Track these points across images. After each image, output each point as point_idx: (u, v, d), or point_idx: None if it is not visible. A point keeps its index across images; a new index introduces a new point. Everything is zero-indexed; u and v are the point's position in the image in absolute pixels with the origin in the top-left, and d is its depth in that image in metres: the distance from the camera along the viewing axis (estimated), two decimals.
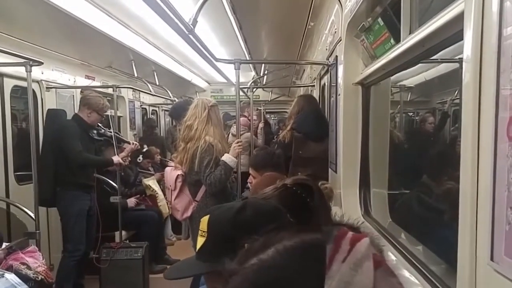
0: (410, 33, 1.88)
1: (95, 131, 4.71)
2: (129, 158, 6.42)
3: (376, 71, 2.40)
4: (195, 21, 2.78)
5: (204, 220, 1.19)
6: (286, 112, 11.17)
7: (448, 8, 1.37)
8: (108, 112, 5.23)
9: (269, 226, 1.09)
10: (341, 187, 2.91)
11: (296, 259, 0.67)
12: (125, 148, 5.06)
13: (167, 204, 4.04)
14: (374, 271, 0.65)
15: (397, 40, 2.06)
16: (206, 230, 1.17)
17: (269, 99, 9.88)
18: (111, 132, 4.89)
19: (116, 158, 4.73)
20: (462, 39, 1.14)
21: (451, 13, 1.32)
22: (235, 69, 3.54)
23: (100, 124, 4.86)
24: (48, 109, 4.90)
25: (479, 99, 1.02)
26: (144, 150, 6.96)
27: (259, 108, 8.62)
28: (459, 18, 1.20)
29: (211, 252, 1.16)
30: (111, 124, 5.39)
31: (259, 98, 9.12)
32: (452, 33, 1.41)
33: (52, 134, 4.52)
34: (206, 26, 4.63)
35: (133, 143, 5.13)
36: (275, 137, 7.96)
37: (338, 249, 0.66)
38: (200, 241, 1.18)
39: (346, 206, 2.83)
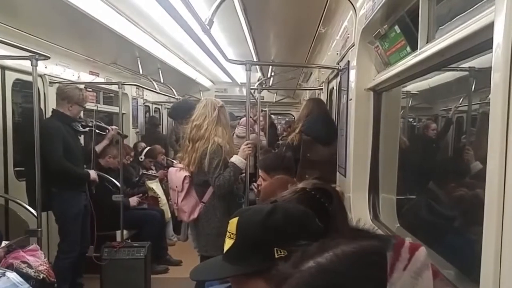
0: (427, 42, 1.89)
1: (79, 124, 4.54)
2: (131, 158, 6.47)
3: (390, 78, 2.41)
4: (211, 22, 2.79)
5: (233, 222, 1.18)
6: (290, 114, 11.18)
7: (473, 18, 1.37)
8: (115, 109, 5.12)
9: (299, 230, 1.10)
10: (351, 191, 2.93)
11: (357, 265, 0.67)
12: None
13: (173, 205, 3.97)
14: (433, 280, 0.66)
15: (413, 48, 2.06)
16: (235, 232, 1.16)
17: (274, 101, 9.88)
18: (92, 121, 4.74)
19: (93, 175, 4.57)
20: (486, 49, 1.14)
21: (478, 23, 1.32)
22: (246, 70, 3.52)
23: (81, 116, 4.72)
24: None
25: (508, 108, 1.02)
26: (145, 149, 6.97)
27: (264, 109, 8.62)
28: (486, 29, 1.20)
29: (239, 254, 1.16)
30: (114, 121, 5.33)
31: (263, 99, 9.13)
32: (476, 43, 1.41)
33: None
34: (215, 25, 4.62)
35: (111, 128, 4.94)
36: (279, 138, 7.97)
37: (398, 257, 0.66)
38: (229, 243, 1.18)
39: (355, 210, 2.84)
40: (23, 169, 4.63)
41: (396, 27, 2.24)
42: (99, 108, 6.63)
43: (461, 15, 1.56)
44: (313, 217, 1.17)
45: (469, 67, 2.03)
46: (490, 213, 1.09)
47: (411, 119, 3.41)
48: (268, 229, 1.12)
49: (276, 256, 1.09)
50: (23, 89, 4.95)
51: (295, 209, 1.21)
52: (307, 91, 7.59)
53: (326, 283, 0.67)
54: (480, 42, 1.36)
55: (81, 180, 4.55)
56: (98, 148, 4.87)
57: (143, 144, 7.33)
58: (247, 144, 3.55)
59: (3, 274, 2.93)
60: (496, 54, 1.09)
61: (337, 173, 3.55)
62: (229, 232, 1.19)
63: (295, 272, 0.70)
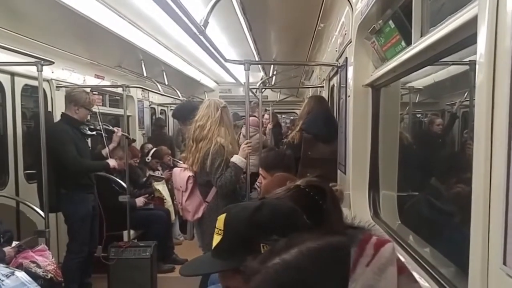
0: (421, 36, 1.89)
1: (86, 127, 4.58)
2: (138, 160, 6.50)
3: (387, 73, 2.40)
4: (206, 22, 2.79)
5: (221, 218, 1.19)
6: (294, 112, 11.16)
7: (460, 11, 1.37)
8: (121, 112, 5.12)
9: (286, 226, 1.11)
10: (350, 188, 2.91)
11: (320, 261, 0.68)
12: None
13: (178, 205, 4.01)
14: (398, 276, 0.66)
15: (408, 43, 2.06)
16: (222, 229, 1.18)
17: (278, 100, 9.87)
18: (100, 125, 4.76)
19: (112, 163, 4.63)
20: (474, 42, 1.14)
21: (464, 16, 1.32)
22: (245, 69, 3.54)
23: (89, 119, 4.74)
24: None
25: (493, 101, 1.02)
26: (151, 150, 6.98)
27: (268, 108, 8.62)
28: (472, 22, 1.20)
29: (227, 251, 1.17)
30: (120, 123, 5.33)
31: (267, 98, 9.13)
32: (464, 36, 1.41)
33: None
34: (216, 26, 4.64)
35: (116, 130, 4.92)
36: (284, 137, 7.97)
37: (363, 253, 0.66)
38: (216, 239, 1.19)
39: (355, 208, 2.83)
40: (33, 172, 4.72)
41: (391, 22, 2.23)
42: (104, 111, 6.68)
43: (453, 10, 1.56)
44: (301, 214, 1.17)
45: (470, 60, 2.01)
46: (476, 211, 1.09)
47: (412, 115, 3.40)
48: (255, 225, 1.13)
49: (263, 251, 1.09)
50: (33, 94, 5.04)
51: (282, 205, 1.21)
52: (310, 89, 7.59)
53: (291, 280, 0.68)
54: (467, 35, 1.36)
55: (101, 170, 4.69)
56: (105, 151, 4.90)
57: (149, 146, 7.34)
58: (246, 143, 3.56)
59: (12, 273, 3.01)
60: (480, 46, 1.09)
61: (338, 171, 3.54)
62: (217, 228, 1.20)
63: (262, 268, 0.71)
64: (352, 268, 0.65)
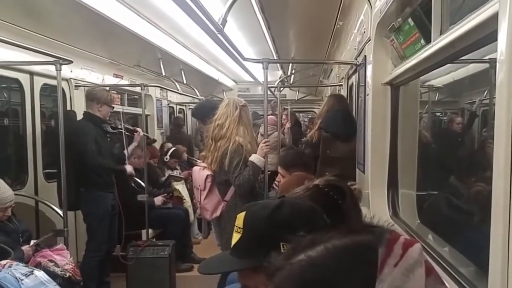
0: (440, 34, 1.87)
1: (108, 126, 4.62)
2: (157, 160, 6.54)
3: (406, 71, 2.39)
4: (224, 21, 2.80)
5: (240, 216, 1.19)
6: (312, 111, 11.12)
7: (480, 9, 1.35)
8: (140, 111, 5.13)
9: (306, 225, 1.10)
10: (369, 187, 2.90)
11: (347, 259, 0.67)
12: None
13: (196, 203, 4.03)
14: (425, 278, 0.65)
15: (427, 41, 2.04)
16: (242, 227, 1.17)
17: (296, 98, 9.85)
18: (121, 124, 4.80)
19: (129, 169, 4.69)
20: (494, 40, 1.12)
21: (484, 14, 1.30)
22: (263, 68, 3.54)
23: (109, 119, 4.75)
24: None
25: None
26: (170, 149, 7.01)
27: (286, 107, 8.61)
28: (493, 19, 1.19)
29: (246, 249, 1.17)
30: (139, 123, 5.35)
31: (285, 97, 9.10)
32: (484, 34, 1.40)
33: (66, 136, 4.20)
34: (234, 25, 4.64)
35: (137, 130, 4.99)
36: (303, 136, 7.95)
37: (390, 253, 0.65)
38: (235, 237, 1.19)
39: (374, 207, 2.82)
40: (52, 171, 4.77)
41: (410, 20, 2.22)
42: (124, 110, 6.73)
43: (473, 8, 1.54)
44: (321, 213, 1.16)
45: (490, 58, 1.99)
46: (496, 210, 1.08)
47: (432, 113, 3.36)
48: (274, 223, 1.13)
49: (282, 250, 1.08)
50: (51, 93, 5.08)
51: (302, 204, 1.20)
52: (329, 87, 7.57)
53: (316, 277, 0.67)
54: (487, 33, 1.34)
55: (118, 174, 4.68)
56: (129, 150, 4.94)
57: (169, 145, 7.37)
58: (265, 143, 3.56)
59: (31, 272, 3.03)
60: (501, 44, 1.07)
61: (356, 169, 3.53)
62: (236, 226, 1.19)
63: (286, 265, 0.70)
64: (379, 268, 0.64)
